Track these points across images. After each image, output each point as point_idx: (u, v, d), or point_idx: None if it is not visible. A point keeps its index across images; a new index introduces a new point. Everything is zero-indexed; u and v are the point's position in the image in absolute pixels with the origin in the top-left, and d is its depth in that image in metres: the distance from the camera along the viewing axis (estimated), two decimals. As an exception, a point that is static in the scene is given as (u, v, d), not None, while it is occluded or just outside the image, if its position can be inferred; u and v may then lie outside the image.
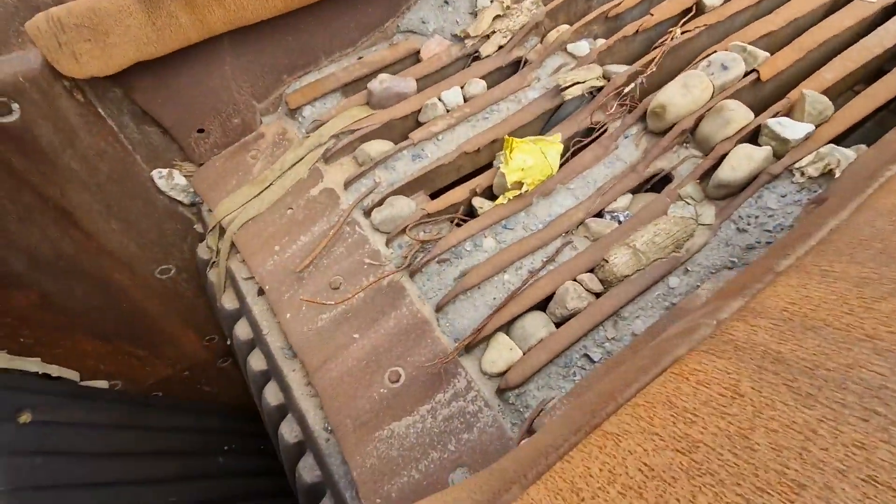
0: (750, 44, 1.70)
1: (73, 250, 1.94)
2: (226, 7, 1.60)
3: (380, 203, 1.68)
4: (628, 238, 1.46)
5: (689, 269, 1.41)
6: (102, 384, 2.45)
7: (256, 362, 1.73)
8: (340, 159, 1.86)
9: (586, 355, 1.30)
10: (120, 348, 2.43)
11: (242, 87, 1.86)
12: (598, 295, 1.40)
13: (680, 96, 1.58)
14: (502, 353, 1.31)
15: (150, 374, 2.67)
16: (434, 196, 1.75)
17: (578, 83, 1.77)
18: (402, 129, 1.90)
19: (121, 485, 2.15)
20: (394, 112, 1.86)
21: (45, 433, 1.98)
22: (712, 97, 1.63)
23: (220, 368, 2.99)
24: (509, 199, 1.61)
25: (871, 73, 1.72)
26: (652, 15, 1.90)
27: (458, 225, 1.65)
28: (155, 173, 1.91)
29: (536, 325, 1.34)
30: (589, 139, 1.73)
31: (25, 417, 1.99)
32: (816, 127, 1.46)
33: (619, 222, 1.55)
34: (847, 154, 1.35)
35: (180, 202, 2.02)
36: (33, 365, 2.18)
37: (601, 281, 1.41)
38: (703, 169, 1.52)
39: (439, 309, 1.45)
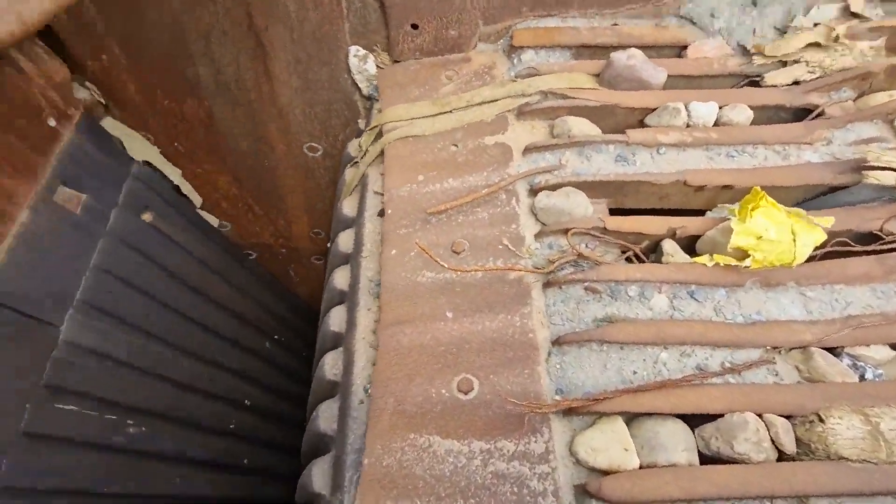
0: None
1: (251, 85, 1.93)
2: None
3: (553, 188, 1.36)
4: (868, 407, 0.96)
5: (953, 507, 0.88)
6: (213, 220, 2.54)
7: (340, 279, 1.56)
8: (535, 120, 1.56)
9: (728, 526, 0.87)
10: (243, 197, 2.48)
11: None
12: (783, 456, 0.94)
13: None
14: (611, 446, 0.94)
15: (255, 234, 2.73)
16: (613, 213, 1.38)
17: (894, 170, 1.23)
18: (621, 122, 1.52)
19: (188, 320, 2.20)
20: (624, 98, 1.49)
21: (153, 238, 2.06)
22: None
23: (312, 264, 2.99)
24: (715, 264, 1.17)
25: None
26: None
27: (630, 260, 1.27)
28: (352, 49, 1.79)
29: (675, 442, 0.94)
30: (866, 248, 1.20)
31: (148, 216, 2.09)
32: None
33: (862, 378, 1.04)
34: None
35: (359, 89, 1.90)
36: (174, 174, 2.30)
37: (799, 440, 0.94)
38: None
39: (558, 343, 1.11)
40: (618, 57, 1.49)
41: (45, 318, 1.51)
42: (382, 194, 1.55)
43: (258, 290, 2.85)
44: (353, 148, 1.95)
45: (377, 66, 1.84)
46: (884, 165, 1.22)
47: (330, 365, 1.39)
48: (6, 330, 1.39)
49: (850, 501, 0.88)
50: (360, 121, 2.05)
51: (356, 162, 1.84)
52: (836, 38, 1.49)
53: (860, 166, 1.26)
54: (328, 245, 2.42)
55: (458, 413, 1.06)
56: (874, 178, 1.23)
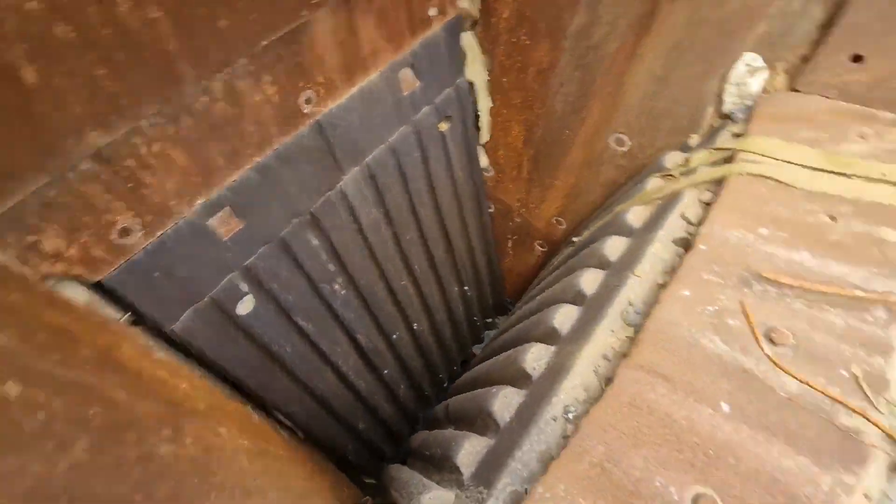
0: None
1: (608, 53, 1.80)
2: None
3: (973, 348, 0.88)
4: None
5: None
6: (484, 161, 2.59)
7: (587, 281, 1.36)
8: (979, 246, 1.05)
9: None
10: (522, 153, 2.45)
11: None
12: None
13: None
14: None
15: (506, 192, 2.72)
16: None
17: None
18: None
19: (417, 222, 2.30)
20: None
21: (436, 145, 2.16)
22: None
23: (532, 247, 2.88)
24: None
25: None
26: None
27: None
28: (747, 56, 1.48)
29: None
30: None
31: (444, 126, 2.20)
32: None
33: None
34: None
35: (720, 102, 1.60)
36: (484, 104, 2.36)
37: None
38: None
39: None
40: None
41: (343, 163, 1.70)
42: (695, 224, 1.26)
43: (479, 240, 2.88)
44: (671, 160, 1.68)
45: (764, 89, 1.50)
46: None
47: (533, 356, 1.23)
48: (318, 154, 1.58)
49: None
50: (692, 136, 1.75)
51: (670, 175, 1.58)
52: None
53: None
54: (571, 238, 2.24)
55: (677, 529, 0.78)
56: None
